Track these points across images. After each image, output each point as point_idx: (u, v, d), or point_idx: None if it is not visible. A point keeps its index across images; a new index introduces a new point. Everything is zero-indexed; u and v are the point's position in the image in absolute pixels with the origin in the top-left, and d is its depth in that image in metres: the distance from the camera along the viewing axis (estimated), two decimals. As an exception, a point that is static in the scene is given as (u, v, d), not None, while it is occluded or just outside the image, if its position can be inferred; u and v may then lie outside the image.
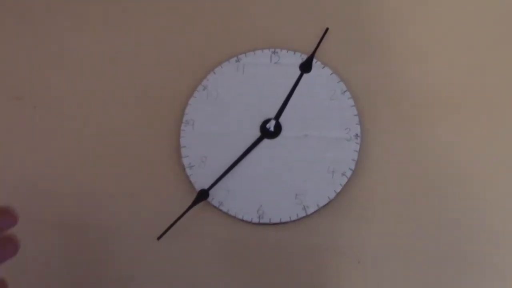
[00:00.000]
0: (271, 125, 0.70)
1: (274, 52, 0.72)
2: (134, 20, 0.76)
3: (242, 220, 0.67)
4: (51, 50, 0.76)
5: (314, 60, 0.71)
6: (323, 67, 0.71)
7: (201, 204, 0.68)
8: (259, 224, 0.67)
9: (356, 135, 0.68)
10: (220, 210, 0.68)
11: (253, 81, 0.71)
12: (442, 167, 0.67)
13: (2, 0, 0.78)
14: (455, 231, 0.65)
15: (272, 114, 0.70)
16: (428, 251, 0.65)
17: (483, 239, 0.65)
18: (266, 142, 0.69)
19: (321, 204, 0.67)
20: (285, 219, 0.67)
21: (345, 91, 0.70)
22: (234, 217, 0.68)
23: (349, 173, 0.67)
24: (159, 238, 0.66)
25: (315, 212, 0.67)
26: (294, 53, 0.72)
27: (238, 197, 0.68)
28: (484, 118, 0.68)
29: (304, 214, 0.67)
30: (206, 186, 0.68)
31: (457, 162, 0.67)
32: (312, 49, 0.72)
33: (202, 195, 0.68)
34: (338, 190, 0.67)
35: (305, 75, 0.71)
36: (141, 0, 0.76)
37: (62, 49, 0.76)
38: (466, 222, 0.65)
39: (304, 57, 0.71)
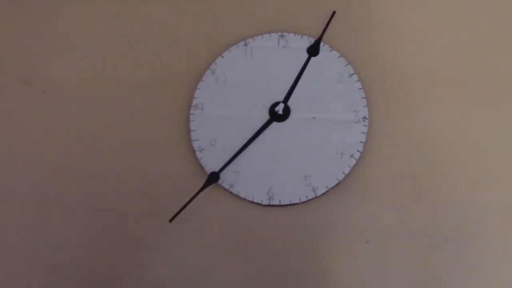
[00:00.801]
0: (279, 108, 0.70)
1: (281, 36, 0.73)
2: (142, 6, 0.76)
3: (252, 202, 0.69)
4: (60, 36, 0.76)
5: (322, 44, 0.72)
6: (331, 51, 0.72)
7: (211, 186, 0.69)
8: (269, 206, 0.68)
9: (364, 118, 0.69)
10: (230, 192, 0.69)
11: (261, 65, 0.72)
12: (448, 147, 0.68)
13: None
14: (462, 210, 0.67)
15: (281, 97, 0.71)
16: (435, 230, 0.67)
17: (488, 217, 0.66)
18: (275, 125, 0.70)
19: (330, 186, 0.68)
20: (294, 200, 0.68)
21: (352, 74, 0.71)
22: (244, 199, 0.69)
23: (357, 155, 0.68)
24: (171, 220, 0.67)
25: (324, 193, 0.68)
26: (302, 37, 0.72)
27: (248, 180, 0.69)
28: (489, 99, 0.69)
29: (313, 196, 0.68)
30: (216, 169, 0.69)
31: (463, 142, 0.68)
32: (320, 32, 0.72)
33: (213, 178, 0.68)
34: (346, 172, 0.68)
35: (312, 59, 0.72)
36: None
37: (71, 34, 0.76)
38: (475, 202, 0.67)
39: (312, 40, 0.72)
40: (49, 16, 0.77)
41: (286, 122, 0.70)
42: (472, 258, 0.66)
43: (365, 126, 0.69)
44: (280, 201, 0.68)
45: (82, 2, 0.77)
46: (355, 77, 0.70)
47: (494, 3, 0.72)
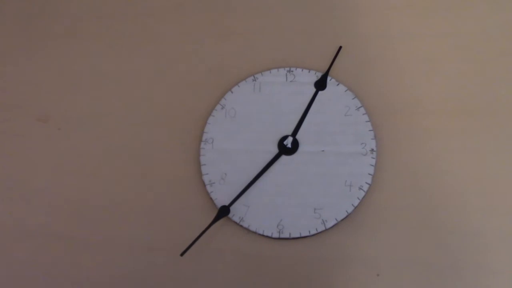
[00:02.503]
0: (288, 142, 0.71)
1: (289, 71, 0.74)
2: (154, 42, 0.78)
3: (263, 235, 0.69)
4: (74, 73, 0.79)
5: (329, 78, 0.73)
6: (338, 84, 0.73)
7: (222, 220, 0.70)
8: (279, 239, 0.69)
9: (372, 150, 0.70)
10: (241, 226, 0.70)
11: (269, 99, 0.74)
12: (457, 178, 0.69)
13: (26, 24, 0.81)
14: (473, 242, 0.67)
15: (289, 131, 0.72)
16: (446, 261, 0.66)
17: (499, 248, 0.66)
18: (284, 158, 0.71)
19: (340, 218, 0.68)
20: (304, 233, 0.68)
21: (359, 107, 0.72)
22: (255, 233, 0.69)
23: (366, 187, 0.69)
24: (182, 254, 0.68)
25: (333, 226, 0.68)
26: (309, 71, 0.74)
27: (258, 213, 0.70)
28: (497, 128, 0.70)
29: (323, 228, 0.68)
30: (226, 203, 0.70)
31: (472, 173, 0.69)
32: (327, 67, 0.74)
33: (223, 212, 0.69)
34: (356, 204, 0.68)
35: (320, 93, 0.73)
36: (160, 22, 0.79)
37: (84, 71, 0.78)
38: (484, 233, 0.67)
39: (319, 75, 0.73)
40: (63, 54, 0.79)
41: (295, 155, 0.71)
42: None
43: (373, 158, 0.70)
44: (290, 234, 0.69)
45: (95, 40, 0.79)
46: (362, 110, 0.72)
47: (499, 36, 0.72)
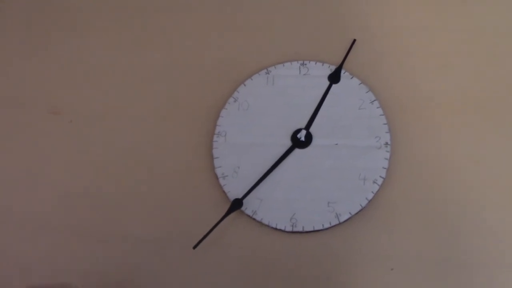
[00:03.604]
0: (302, 135, 0.71)
1: (302, 64, 0.74)
2: (166, 36, 0.78)
3: (275, 229, 0.69)
4: (87, 66, 0.78)
5: (342, 71, 0.73)
6: (352, 78, 0.72)
7: (234, 213, 0.69)
8: (292, 232, 0.68)
9: (386, 143, 0.69)
10: (254, 219, 0.69)
11: (283, 92, 0.73)
12: (472, 173, 0.68)
13: (38, 19, 0.81)
14: (488, 237, 0.66)
15: (303, 124, 0.72)
16: (460, 256, 0.66)
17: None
18: (297, 151, 0.71)
19: (354, 212, 0.68)
20: (318, 227, 0.68)
21: (374, 101, 0.71)
22: (268, 226, 0.69)
23: (380, 181, 0.68)
24: (195, 247, 0.68)
25: (347, 219, 0.68)
26: (323, 65, 0.73)
27: (271, 206, 0.69)
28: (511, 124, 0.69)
29: (336, 222, 0.68)
30: (239, 196, 0.69)
31: (487, 168, 0.68)
32: (340, 60, 0.73)
33: (236, 205, 0.69)
34: (370, 198, 0.68)
35: (334, 86, 0.72)
36: (172, 16, 0.78)
37: (97, 65, 0.78)
38: (498, 228, 0.66)
39: (333, 68, 0.73)
40: (75, 49, 0.79)
41: (309, 149, 0.71)
42: (498, 284, 0.65)
43: (387, 152, 0.69)
44: (303, 228, 0.68)
45: (108, 35, 0.79)
46: (376, 103, 0.71)
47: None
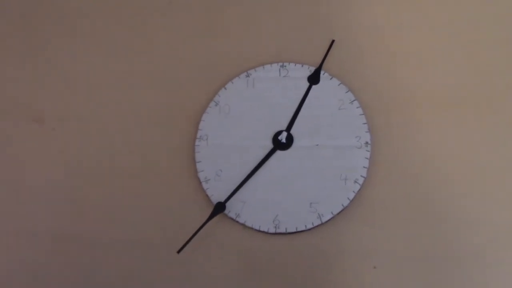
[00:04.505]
0: (283, 137, 0.71)
1: (282, 66, 0.74)
2: (146, 41, 0.78)
3: (259, 231, 0.69)
4: (69, 74, 0.78)
5: (322, 72, 0.73)
6: (331, 78, 0.73)
7: (218, 216, 0.70)
8: (276, 234, 0.69)
9: (366, 143, 0.70)
10: (237, 221, 0.70)
11: (263, 95, 0.73)
12: (452, 169, 0.69)
13: (19, 27, 0.81)
14: (469, 233, 0.67)
15: (284, 126, 0.72)
16: (442, 252, 0.67)
17: (495, 238, 0.66)
18: (279, 153, 0.71)
19: (336, 212, 0.68)
20: (301, 228, 0.68)
21: (353, 101, 0.72)
22: (251, 228, 0.69)
23: (361, 180, 0.69)
24: (179, 251, 0.68)
25: (330, 219, 0.68)
26: (302, 66, 0.74)
27: (254, 208, 0.70)
28: (491, 119, 0.70)
29: (319, 222, 0.68)
30: (222, 199, 0.70)
31: (467, 164, 0.69)
32: (319, 61, 0.73)
33: (219, 208, 0.69)
34: (351, 197, 0.68)
35: (313, 87, 0.73)
36: (153, 21, 0.79)
37: (79, 72, 0.78)
38: (479, 224, 0.67)
39: (312, 69, 0.73)
40: (57, 57, 0.79)
41: (290, 150, 0.71)
42: (480, 279, 0.65)
43: (368, 151, 0.70)
44: (286, 229, 0.69)
45: (89, 41, 0.79)
46: (356, 103, 0.71)
47: (492, 27, 0.72)
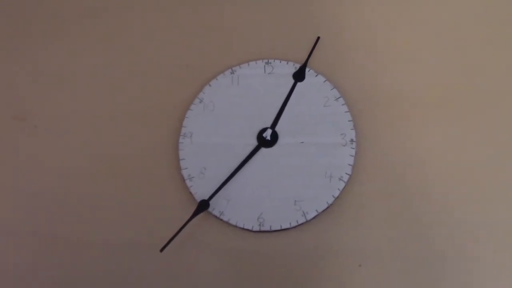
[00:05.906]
0: (267, 134, 0.71)
1: (267, 63, 0.74)
2: (130, 38, 0.77)
3: (243, 229, 0.68)
4: (50, 70, 0.77)
5: (307, 69, 0.73)
6: (316, 75, 0.72)
7: (202, 214, 0.69)
8: (260, 232, 0.68)
9: (352, 140, 0.70)
10: (221, 219, 0.69)
11: (248, 92, 0.73)
12: (438, 167, 0.69)
13: (2, 23, 0.80)
14: (455, 230, 0.66)
15: (268, 123, 0.71)
16: (428, 251, 0.66)
17: (481, 236, 0.66)
18: (263, 150, 0.71)
19: (320, 209, 0.68)
20: (285, 225, 0.68)
21: (338, 98, 0.71)
22: (235, 226, 0.69)
23: (346, 178, 0.68)
24: (162, 249, 0.67)
25: (314, 217, 0.68)
26: (287, 63, 0.73)
27: (238, 206, 0.69)
28: (477, 116, 0.70)
29: (304, 220, 0.68)
30: (206, 197, 0.69)
31: (453, 162, 0.69)
32: (305, 58, 0.73)
33: (203, 206, 0.69)
34: (336, 195, 0.68)
35: (298, 84, 0.72)
36: (136, 17, 0.78)
37: (61, 69, 0.77)
38: (466, 222, 0.66)
39: (297, 66, 0.73)
40: (38, 53, 0.78)
41: (275, 148, 0.71)
42: (466, 278, 0.65)
43: (353, 148, 0.69)
44: (270, 227, 0.68)
45: (72, 38, 0.78)
46: (341, 100, 0.71)
47: (479, 24, 0.73)
